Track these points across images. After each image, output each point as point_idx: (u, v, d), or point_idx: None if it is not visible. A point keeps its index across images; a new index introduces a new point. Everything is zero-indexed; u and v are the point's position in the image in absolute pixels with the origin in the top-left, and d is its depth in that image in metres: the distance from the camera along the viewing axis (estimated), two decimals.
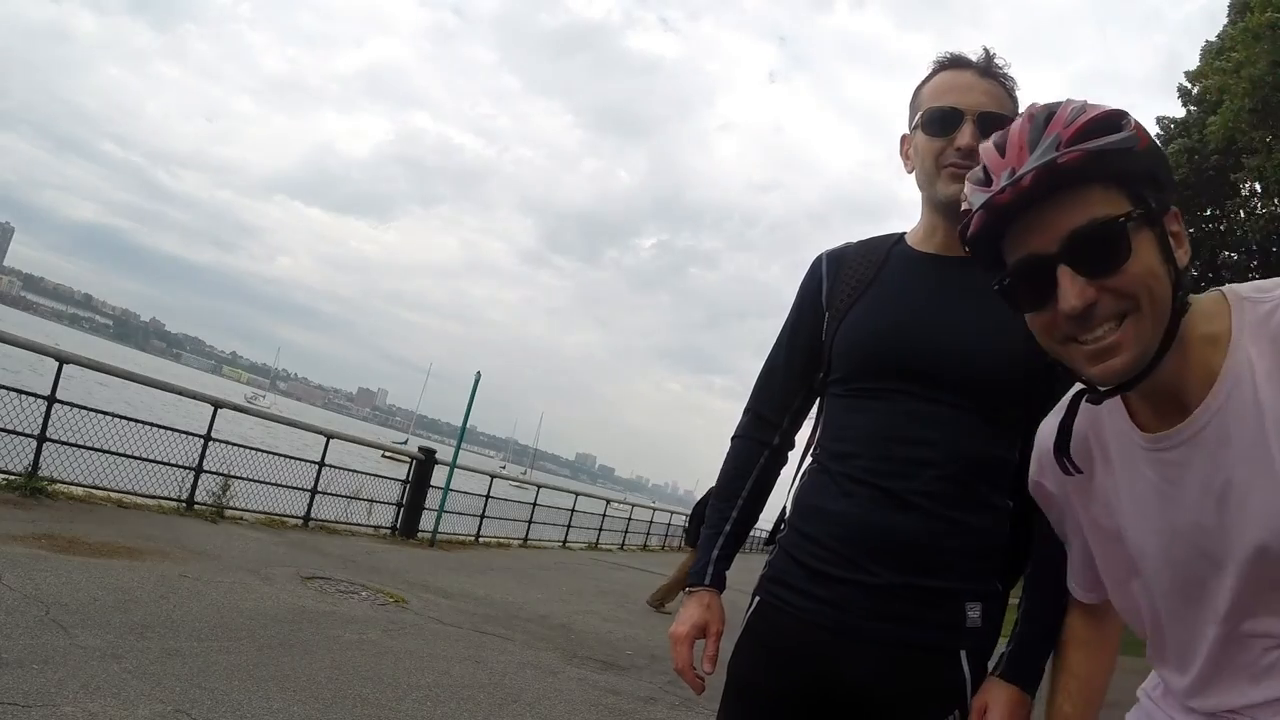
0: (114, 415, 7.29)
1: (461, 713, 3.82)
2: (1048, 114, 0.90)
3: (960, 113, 1.35)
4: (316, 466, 9.39)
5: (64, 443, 6.69)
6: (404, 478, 10.84)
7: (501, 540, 12.83)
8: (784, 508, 1.48)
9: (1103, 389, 0.92)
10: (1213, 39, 14.67)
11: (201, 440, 7.95)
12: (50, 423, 6.50)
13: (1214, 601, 0.92)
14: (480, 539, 12.23)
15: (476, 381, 11.37)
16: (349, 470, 10.26)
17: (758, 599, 1.42)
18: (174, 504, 7.58)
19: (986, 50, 1.41)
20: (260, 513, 8.60)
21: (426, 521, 10.74)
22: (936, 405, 1.28)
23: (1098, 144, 0.86)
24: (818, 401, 1.50)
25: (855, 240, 1.52)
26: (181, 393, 8.20)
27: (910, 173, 1.45)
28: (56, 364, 6.41)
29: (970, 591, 1.26)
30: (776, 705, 1.34)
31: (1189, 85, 15.31)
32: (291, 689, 3.51)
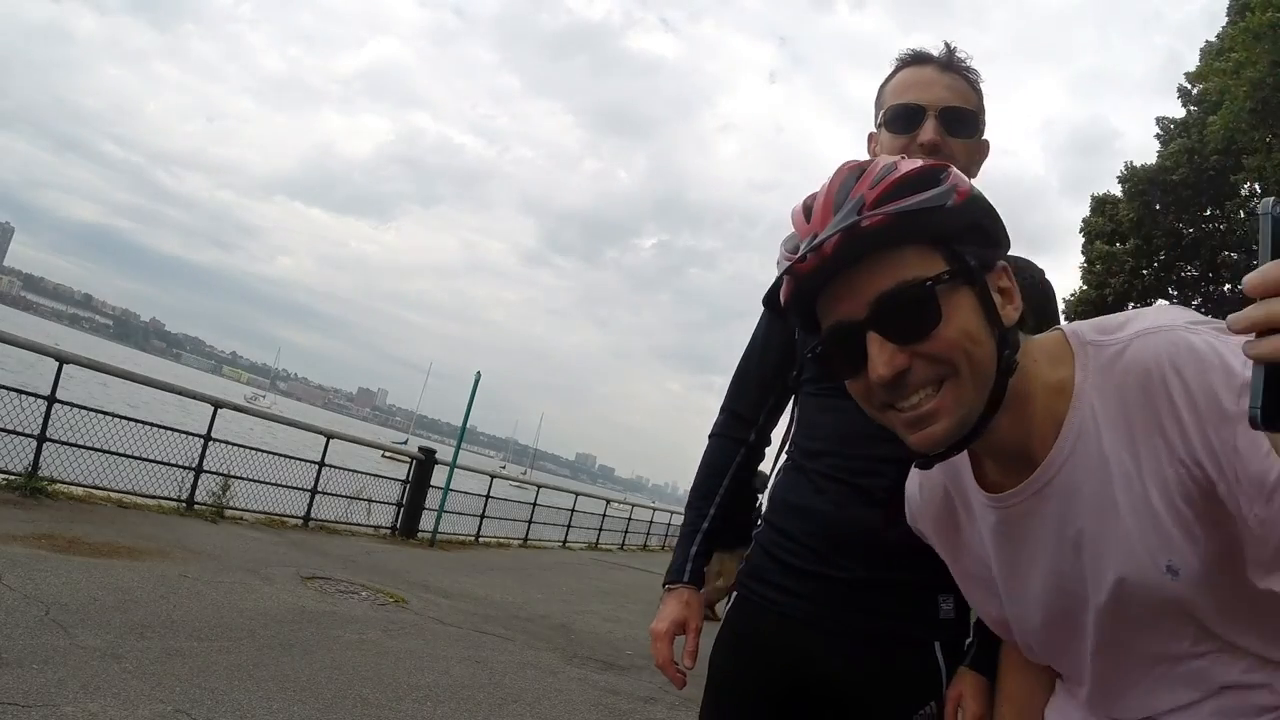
0: (114, 415, 7.30)
1: (461, 713, 3.82)
2: (857, 173, 0.86)
3: (922, 109, 1.36)
4: (316, 466, 9.39)
5: (64, 443, 6.68)
6: (404, 478, 10.84)
7: (501, 540, 12.83)
8: (759, 504, 1.51)
9: (927, 458, 0.89)
10: (1213, 39, 14.68)
11: (201, 440, 7.95)
12: (50, 423, 6.50)
13: (1086, 634, 0.93)
14: (480, 539, 12.23)
15: (476, 381, 11.37)
16: (349, 470, 10.26)
17: (735, 594, 1.44)
18: (174, 504, 7.58)
19: (948, 45, 1.41)
20: (260, 513, 8.60)
21: (426, 521, 10.74)
22: None
23: (904, 204, 0.82)
24: (792, 399, 1.52)
25: None
26: (181, 393, 8.20)
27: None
28: (56, 364, 6.42)
29: (943, 584, 1.27)
30: (756, 698, 1.36)
31: (1189, 85, 15.32)
32: (291, 689, 3.51)
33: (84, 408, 6.93)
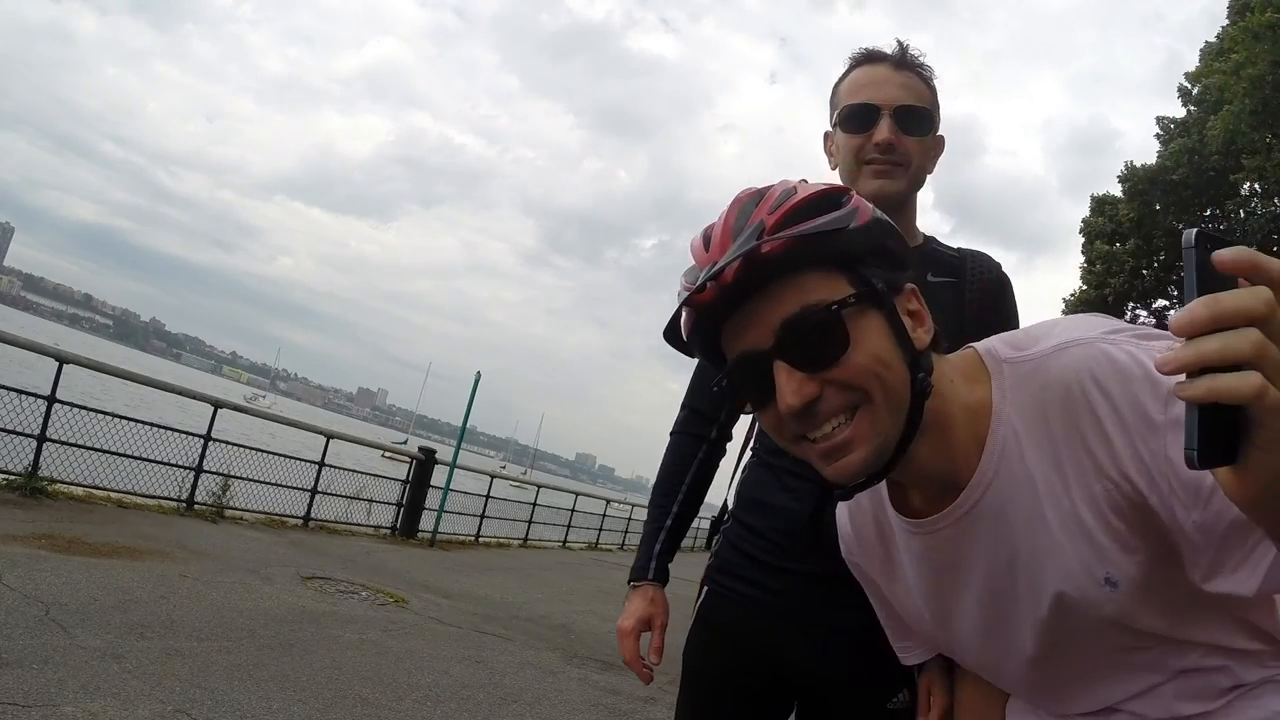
0: (114, 415, 7.30)
1: (461, 713, 3.82)
2: (756, 199, 0.83)
3: (876, 108, 1.36)
4: (316, 466, 9.39)
5: (64, 443, 6.68)
6: (404, 478, 10.84)
7: (501, 540, 12.83)
8: (725, 501, 1.51)
9: (843, 489, 0.86)
10: (1213, 39, 14.69)
11: (201, 440, 7.95)
12: (50, 423, 6.50)
13: (1023, 647, 0.92)
14: (480, 539, 12.22)
15: (476, 381, 11.37)
16: (349, 470, 10.26)
17: (706, 589, 1.46)
18: (174, 504, 7.58)
19: (900, 42, 1.42)
20: (260, 513, 8.60)
21: (426, 521, 10.73)
22: None
23: (805, 228, 0.79)
24: None
25: None
26: (181, 393, 8.20)
27: (834, 169, 1.46)
28: (56, 364, 6.42)
29: None
30: (731, 691, 1.38)
31: (1189, 86, 15.32)
32: (291, 689, 3.51)
33: (84, 407, 6.93)
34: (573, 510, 16.01)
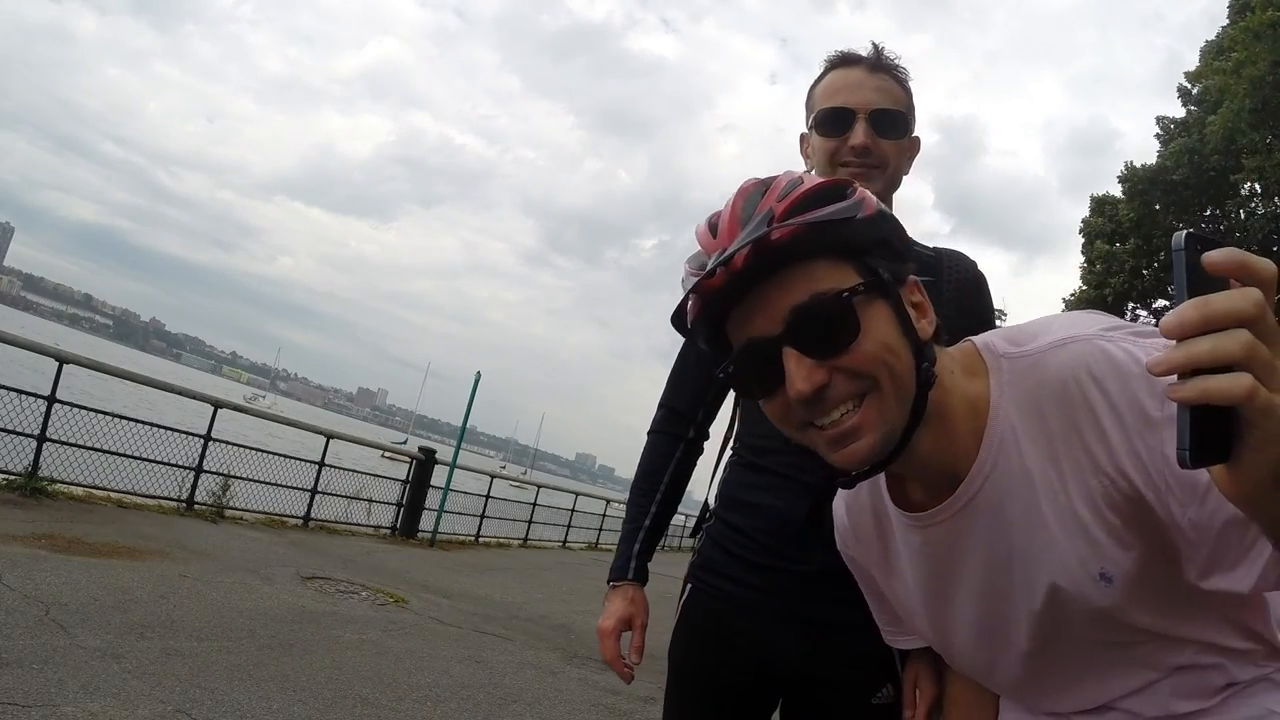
0: (114, 415, 7.29)
1: (461, 713, 3.82)
2: (763, 188, 0.83)
3: (852, 112, 1.37)
4: (316, 466, 9.39)
5: (64, 443, 6.68)
6: (404, 478, 10.84)
7: (501, 540, 12.82)
8: (706, 500, 1.53)
9: (850, 476, 0.87)
10: (1213, 39, 14.69)
11: (201, 440, 7.95)
12: (50, 423, 6.50)
13: (1017, 643, 0.93)
14: (480, 539, 12.22)
15: (476, 381, 11.37)
16: (349, 470, 10.26)
17: (690, 586, 1.47)
18: (174, 504, 7.58)
19: (875, 45, 1.42)
20: (260, 513, 8.59)
21: (426, 521, 10.73)
22: None
23: (815, 216, 0.80)
24: (733, 394, 1.54)
25: None
26: (181, 393, 8.20)
27: (810, 171, 1.47)
28: (56, 364, 6.42)
29: None
30: (716, 687, 1.39)
31: (1189, 86, 15.33)
32: (291, 689, 3.51)
33: (84, 408, 6.93)
34: (573, 510, 16.00)
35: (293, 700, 3.39)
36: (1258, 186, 13.45)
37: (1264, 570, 0.73)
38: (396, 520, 10.58)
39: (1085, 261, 15.77)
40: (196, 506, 7.72)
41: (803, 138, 1.49)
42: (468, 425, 11.47)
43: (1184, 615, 0.86)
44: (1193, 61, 15.31)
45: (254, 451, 8.83)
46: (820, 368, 0.79)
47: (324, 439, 9.61)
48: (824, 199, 0.81)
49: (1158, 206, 14.79)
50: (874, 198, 0.86)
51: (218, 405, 8.11)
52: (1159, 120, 15.86)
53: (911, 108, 1.44)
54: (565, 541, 15.33)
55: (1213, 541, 0.75)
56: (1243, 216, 13.95)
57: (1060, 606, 0.86)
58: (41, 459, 6.41)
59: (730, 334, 0.85)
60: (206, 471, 7.92)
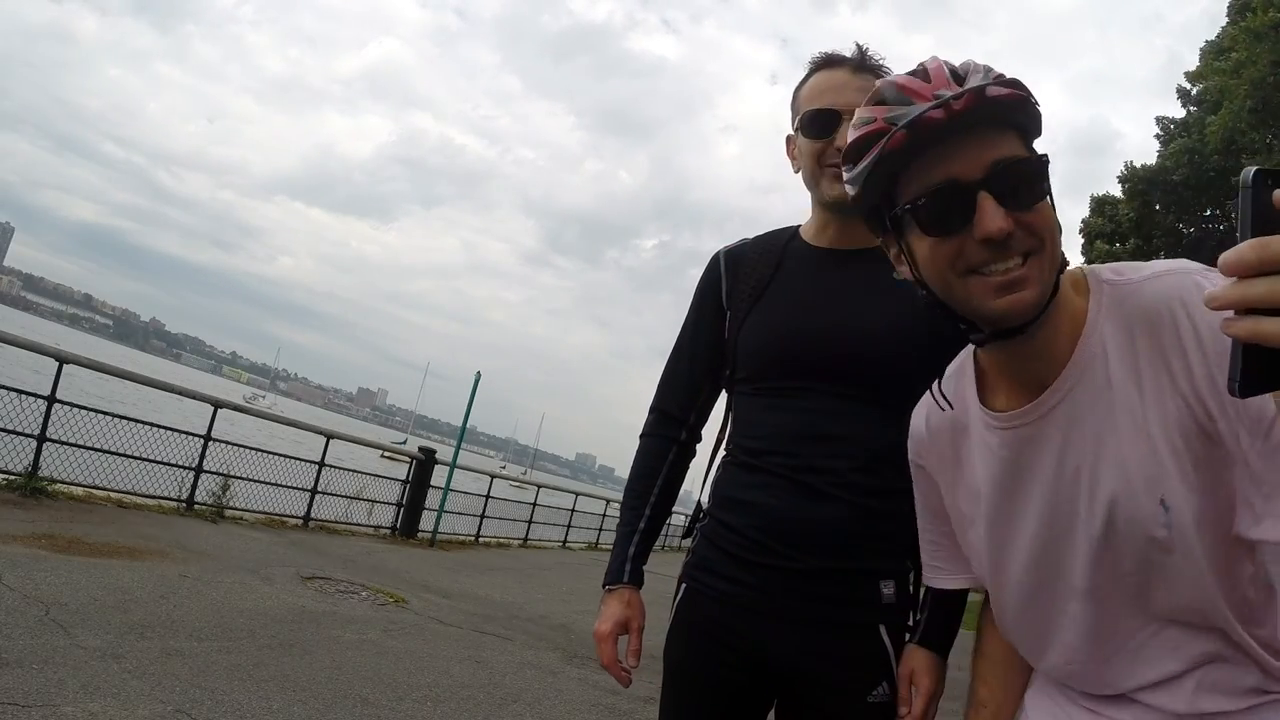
0: (114, 415, 7.29)
1: (461, 713, 3.82)
2: (960, 63, 0.91)
3: (838, 114, 1.38)
4: (316, 466, 9.39)
5: (64, 443, 6.68)
6: (404, 478, 10.84)
7: (501, 540, 12.83)
8: (698, 501, 1.53)
9: (1005, 327, 0.90)
10: (1213, 39, 14.68)
11: (201, 440, 7.95)
12: (50, 423, 6.50)
13: (1071, 578, 0.95)
14: (480, 539, 12.23)
15: (476, 381, 11.37)
16: (349, 470, 10.26)
17: (684, 586, 1.47)
18: (174, 504, 7.58)
19: (859, 45, 1.43)
20: (260, 513, 8.60)
21: (426, 521, 10.74)
22: (845, 401, 1.34)
23: (1021, 91, 0.87)
24: (725, 396, 1.55)
25: (752, 236, 1.57)
26: (181, 393, 8.20)
27: (797, 173, 1.48)
28: (56, 364, 6.42)
29: (884, 570, 1.33)
30: (712, 686, 1.39)
31: (1189, 86, 15.32)
32: (291, 689, 3.51)
33: (84, 408, 6.93)
34: (573, 510, 16.01)
35: (293, 700, 3.39)
36: None
37: None
38: (396, 520, 10.58)
39: (1085, 262, 15.77)
40: (196, 506, 7.72)
41: (789, 140, 1.50)
42: (468, 425, 11.47)
43: (1220, 590, 0.87)
44: (1193, 62, 15.32)
45: (254, 451, 8.83)
46: (1009, 217, 0.85)
47: (324, 439, 9.61)
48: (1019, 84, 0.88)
49: (1158, 207, 14.79)
50: None
51: (218, 405, 8.11)
52: (1159, 120, 15.85)
53: None
54: (565, 541, 15.34)
55: (1273, 479, 0.79)
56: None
57: (1117, 532, 0.89)
58: (41, 459, 6.41)
59: (910, 177, 0.90)
60: (206, 471, 7.92)
